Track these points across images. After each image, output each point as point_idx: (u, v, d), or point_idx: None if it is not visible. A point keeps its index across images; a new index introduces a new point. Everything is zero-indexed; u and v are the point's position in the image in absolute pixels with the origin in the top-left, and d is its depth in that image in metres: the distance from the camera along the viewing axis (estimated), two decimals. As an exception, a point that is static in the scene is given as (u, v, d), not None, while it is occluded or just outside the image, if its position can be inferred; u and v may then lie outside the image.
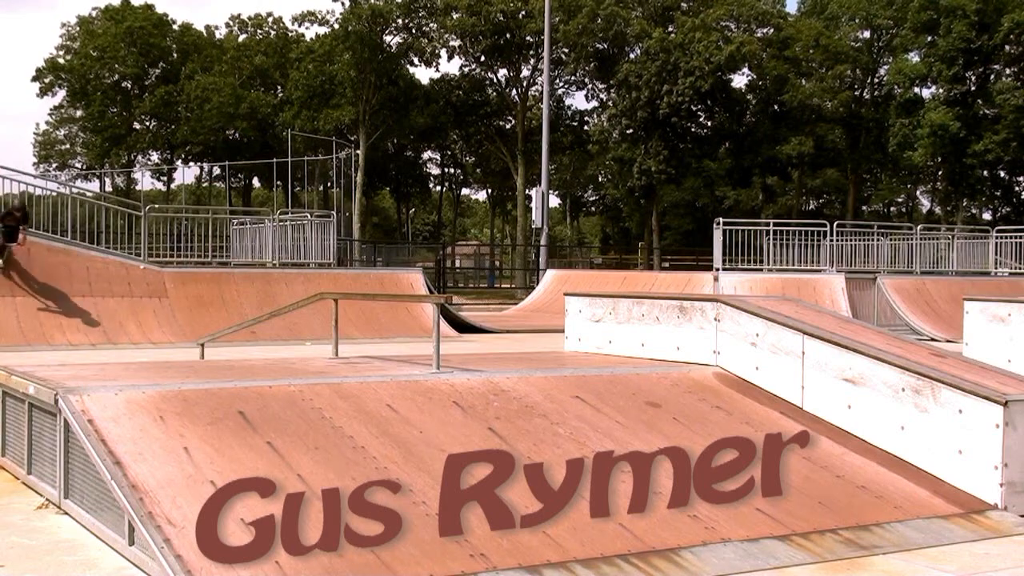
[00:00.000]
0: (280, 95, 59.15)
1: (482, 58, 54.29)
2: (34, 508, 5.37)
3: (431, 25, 53.48)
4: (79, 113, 61.09)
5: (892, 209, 72.36)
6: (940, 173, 52.20)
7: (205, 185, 64.06)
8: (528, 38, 51.56)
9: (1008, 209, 52.16)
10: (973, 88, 46.74)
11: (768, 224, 22.95)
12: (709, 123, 50.64)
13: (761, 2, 52.99)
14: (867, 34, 54.06)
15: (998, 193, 53.24)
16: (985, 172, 48.35)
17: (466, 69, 55.44)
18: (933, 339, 16.67)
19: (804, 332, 6.44)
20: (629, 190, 51.36)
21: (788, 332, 6.54)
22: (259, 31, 61.85)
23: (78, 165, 63.97)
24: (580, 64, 53.05)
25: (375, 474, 4.78)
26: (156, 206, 19.62)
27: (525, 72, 54.94)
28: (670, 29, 49.66)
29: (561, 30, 48.38)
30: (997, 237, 24.22)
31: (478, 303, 29.00)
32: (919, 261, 22.44)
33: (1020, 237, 23.98)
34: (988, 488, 5.38)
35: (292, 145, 39.12)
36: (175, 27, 60.99)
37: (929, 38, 47.85)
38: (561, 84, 55.15)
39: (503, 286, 44.33)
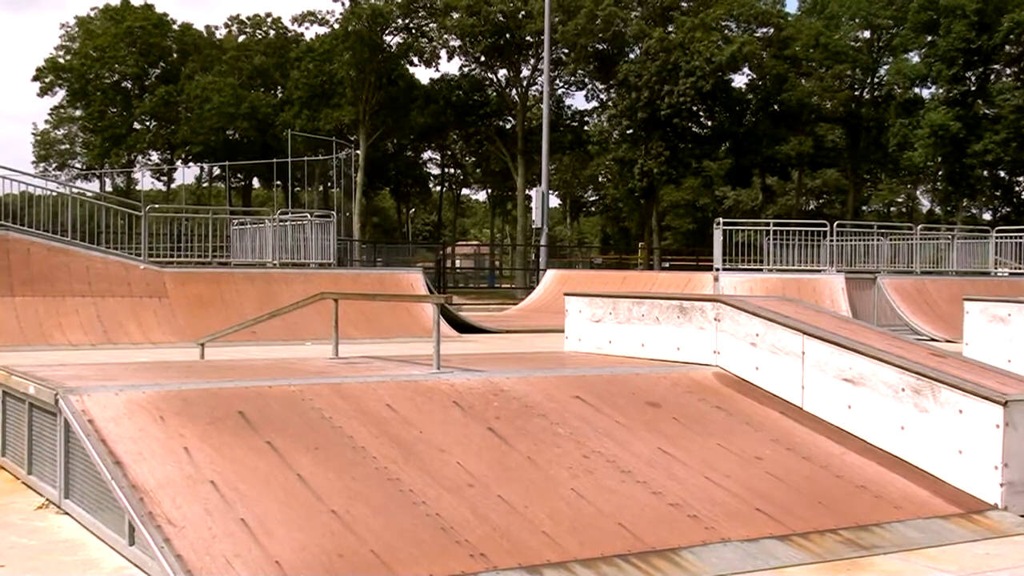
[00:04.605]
0: (280, 95, 59.14)
1: (482, 58, 54.28)
2: (34, 508, 5.37)
3: (431, 25, 53.48)
4: (79, 113, 61.09)
5: (892, 209, 72.40)
6: (940, 173, 52.20)
7: (205, 185, 64.06)
8: (528, 38, 51.55)
9: (1008, 209, 52.15)
10: (973, 88, 46.73)
11: (768, 224, 22.95)
12: (709, 123, 50.64)
13: (760, 2, 52.99)
14: (867, 34, 54.05)
15: (998, 193, 53.24)
16: (985, 172, 48.34)
17: (466, 69, 55.46)
18: (933, 339, 16.67)
19: (804, 332, 6.44)
20: (629, 191, 51.36)
21: (788, 332, 6.54)
22: (258, 31, 61.86)
23: (78, 165, 63.99)
24: (580, 64, 53.05)
25: (375, 474, 4.78)
26: (156, 206, 19.61)
27: (525, 72, 54.96)
28: (670, 29, 49.64)
29: (560, 30, 48.38)
30: (997, 237, 24.22)
31: (478, 303, 28.99)
32: (919, 261, 22.44)
33: (1020, 237, 23.97)
34: (988, 488, 5.38)
35: (292, 145, 39.10)
36: (175, 27, 60.99)
37: (929, 38, 47.84)
38: (561, 84, 55.16)
39: (503, 286, 44.32)
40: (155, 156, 62.46)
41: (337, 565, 4.02)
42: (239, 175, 61.61)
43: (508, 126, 56.46)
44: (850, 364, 6.12)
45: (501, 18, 51.18)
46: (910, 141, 47.22)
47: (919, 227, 23.97)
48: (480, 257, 64.65)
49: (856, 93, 54.73)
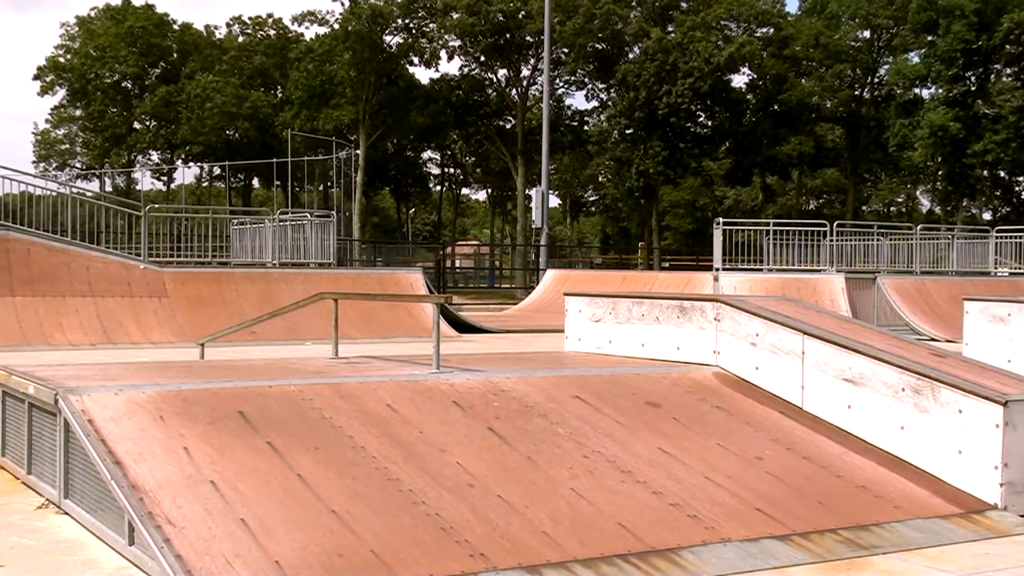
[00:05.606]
0: (280, 95, 59.14)
1: (482, 58, 54.28)
2: (34, 508, 5.37)
3: (431, 25, 53.46)
4: (79, 112, 61.09)
5: (892, 209, 72.44)
6: (940, 173, 52.21)
7: (205, 185, 64.06)
8: (528, 38, 51.56)
9: (1008, 209, 52.17)
10: (973, 88, 46.71)
11: (768, 224, 22.95)
12: (709, 123, 50.64)
13: (760, 2, 52.99)
14: (867, 34, 54.04)
15: (998, 193, 53.25)
16: (985, 172, 48.33)
17: (466, 69, 55.45)
18: (933, 339, 16.67)
19: (804, 332, 6.44)
20: (628, 190, 51.38)
21: (788, 332, 6.54)
22: (259, 31, 61.84)
23: (78, 165, 63.99)
24: (579, 64, 53.04)
25: (375, 474, 4.78)
26: (156, 206, 19.61)
27: (525, 72, 54.95)
28: (669, 29, 49.63)
29: (559, 30, 48.36)
30: (997, 237, 24.22)
31: (478, 303, 28.99)
32: (919, 261, 22.44)
33: (1020, 237, 23.97)
34: (988, 488, 5.38)
35: (292, 145, 39.12)
36: (175, 27, 61.00)
37: (929, 38, 47.83)
38: (561, 84, 55.16)
39: (503, 286, 44.32)
40: (155, 156, 62.49)
41: (337, 565, 4.02)
42: (239, 175, 61.62)
43: (508, 126, 56.45)
44: (850, 364, 6.12)
45: (501, 18, 51.17)
46: (910, 141, 47.21)
47: (919, 227, 23.97)
48: (480, 257, 64.64)
49: (856, 93, 54.75)
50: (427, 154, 65.06)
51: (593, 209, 76.30)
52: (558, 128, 52.12)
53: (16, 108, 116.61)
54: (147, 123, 60.71)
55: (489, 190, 69.96)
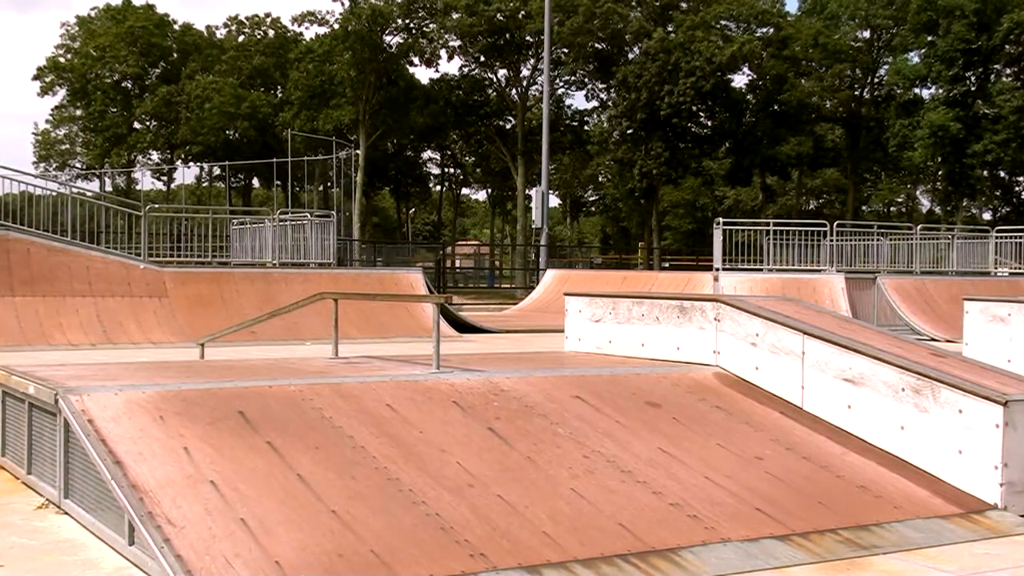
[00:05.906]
0: (280, 95, 59.13)
1: (482, 58, 54.28)
2: (34, 508, 5.37)
3: (431, 25, 53.46)
4: (79, 112, 61.08)
5: (892, 209, 72.43)
6: (940, 173, 52.21)
7: (205, 185, 64.06)
8: (528, 38, 51.57)
9: (1008, 209, 52.18)
10: (973, 88, 46.71)
11: (768, 224, 22.95)
12: (709, 123, 50.64)
13: (760, 1, 52.99)
14: (867, 34, 54.03)
15: (998, 193, 53.26)
16: (985, 172, 48.33)
17: (466, 69, 55.45)
18: (933, 339, 16.67)
19: (804, 332, 6.44)
20: (629, 191, 51.38)
21: (788, 332, 6.54)
22: (257, 31, 61.83)
23: (78, 165, 63.98)
24: (579, 64, 53.05)
25: (375, 474, 4.78)
26: (156, 206, 19.61)
27: (525, 72, 54.96)
28: (670, 28, 49.63)
29: (558, 30, 48.35)
30: (997, 237, 24.22)
31: (478, 303, 28.98)
32: (919, 261, 22.44)
33: (1020, 237, 23.97)
34: (988, 488, 5.38)
35: (292, 145, 39.11)
36: (176, 27, 61.00)
37: (928, 38, 47.84)
38: (561, 84, 55.16)
39: (503, 286, 44.31)
40: (155, 156, 62.48)
41: (337, 565, 4.02)
42: (239, 175, 61.62)
43: (508, 126, 56.45)
44: (850, 364, 6.12)
45: (500, 18, 51.17)
46: (910, 141, 47.21)
47: (919, 227, 23.97)
48: (480, 257, 64.65)
49: (856, 93, 54.73)
50: (427, 154, 65.12)
51: (593, 209, 76.28)
52: (558, 128, 52.11)
53: (16, 108, 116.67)
54: (147, 123, 60.70)
55: (489, 190, 69.95)
